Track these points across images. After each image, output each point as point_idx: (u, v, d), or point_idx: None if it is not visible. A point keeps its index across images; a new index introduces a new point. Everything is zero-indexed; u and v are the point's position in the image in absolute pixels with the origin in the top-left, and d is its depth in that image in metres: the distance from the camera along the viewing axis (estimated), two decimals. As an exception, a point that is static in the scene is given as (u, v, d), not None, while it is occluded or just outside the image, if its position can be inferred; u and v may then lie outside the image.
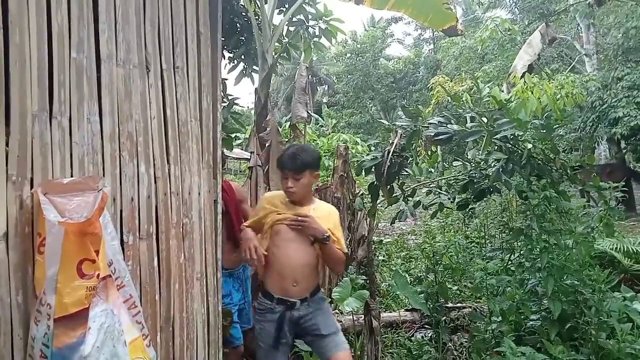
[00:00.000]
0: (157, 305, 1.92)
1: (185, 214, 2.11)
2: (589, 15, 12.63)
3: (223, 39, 5.78)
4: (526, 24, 15.98)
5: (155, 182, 1.94)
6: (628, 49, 11.13)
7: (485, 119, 2.98)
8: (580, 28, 14.72)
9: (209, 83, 2.36)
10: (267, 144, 4.08)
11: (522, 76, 6.32)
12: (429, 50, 32.02)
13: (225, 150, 7.24)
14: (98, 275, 1.49)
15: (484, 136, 2.99)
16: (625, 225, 7.12)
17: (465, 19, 26.05)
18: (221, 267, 2.76)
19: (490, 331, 3.53)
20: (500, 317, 3.61)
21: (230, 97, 6.12)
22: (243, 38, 5.79)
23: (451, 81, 13.41)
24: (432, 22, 4.61)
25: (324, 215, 2.53)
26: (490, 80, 12.32)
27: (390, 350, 3.65)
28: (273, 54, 5.46)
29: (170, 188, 2.02)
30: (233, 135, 6.14)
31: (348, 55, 29.64)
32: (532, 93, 3.30)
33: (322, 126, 17.85)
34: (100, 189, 1.55)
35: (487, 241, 6.16)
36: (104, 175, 1.71)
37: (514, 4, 18.40)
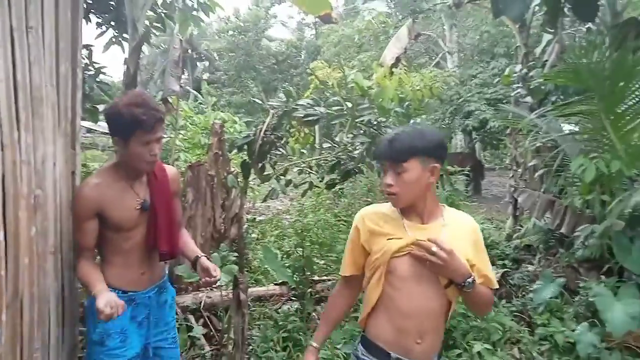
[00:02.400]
0: (3, 282, 1.80)
1: (37, 185, 1.98)
2: (452, 16, 13.91)
3: (90, 1, 5.37)
4: (400, 18, 17.09)
5: (2, 149, 1.79)
6: (482, 50, 12.51)
7: (349, 104, 3.20)
8: (445, 27, 16.14)
9: (67, 47, 2.22)
10: (136, 117, 3.91)
11: (391, 67, 6.80)
12: (311, 35, 32.58)
13: (90, 122, 6.73)
14: None
15: (347, 120, 3.21)
16: (470, 205, 8.07)
17: (346, 8, 26.96)
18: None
19: (350, 300, 3.85)
20: (359, 287, 3.95)
21: (96, 66, 5.70)
22: (113, 2, 5.41)
23: (329, 67, 13.86)
24: (308, 7, 4.73)
25: (461, 234, 1.68)
26: (365, 69, 12.99)
27: (258, 323, 3.79)
28: (147, 23, 5.19)
29: (20, 156, 1.88)
30: (102, 108, 5.75)
31: (230, 32, 29.00)
32: (390, 82, 3.64)
33: (201, 103, 17.33)
34: None
35: (355, 220, 6.60)
36: (-63, 139, 1.55)
37: (390, -1, 19.52)
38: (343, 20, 19.24)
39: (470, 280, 1.58)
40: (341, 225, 6.18)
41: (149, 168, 2.02)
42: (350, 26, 16.73)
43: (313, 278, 4.41)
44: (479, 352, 3.14)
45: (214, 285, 2.19)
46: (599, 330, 3.26)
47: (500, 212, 9.60)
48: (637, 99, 4.08)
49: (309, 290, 4.16)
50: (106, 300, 1.78)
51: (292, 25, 35.38)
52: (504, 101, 9.68)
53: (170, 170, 2.22)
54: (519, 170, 6.02)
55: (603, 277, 3.74)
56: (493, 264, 5.23)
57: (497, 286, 1.74)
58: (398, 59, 6.68)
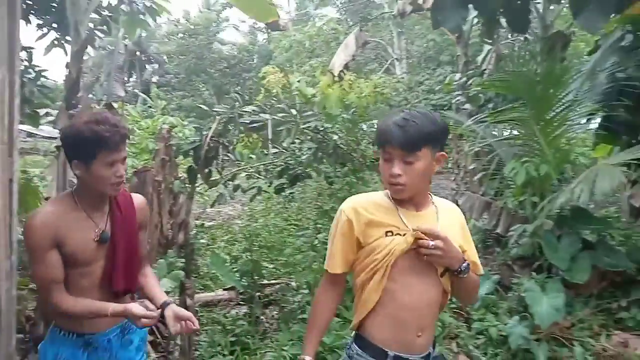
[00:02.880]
0: None
1: (-29, 193, 1.95)
2: (399, 24, 14.33)
3: (30, 2, 5.20)
4: (350, 25, 17.41)
5: None
6: (428, 58, 12.96)
7: (294, 111, 3.30)
8: (393, 34, 16.58)
9: (4, 50, 2.18)
10: (78, 123, 3.85)
11: (340, 74, 6.95)
12: (263, 39, 32.52)
13: (31, 127, 6.48)
14: None
15: (293, 126, 3.30)
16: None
17: (298, 14, 27.13)
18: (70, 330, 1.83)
19: (297, 302, 3.93)
20: (307, 290, 4.04)
21: (37, 69, 5.53)
22: (54, 4, 5.27)
23: (281, 72, 13.96)
24: (256, 15, 4.82)
25: (451, 220, 1.67)
26: (316, 74, 13.17)
27: (206, 328, 3.79)
28: (91, 26, 5.09)
29: (-48, 164, 1.85)
30: (43, 112, 5.58)
31: (180, 35, 28.51)
32: (332, 90, 3.77)
33: (150, 107, 16.93)
34: None
35: (305, 223, 6.69)
36: None
37: (341, 4, 19.83)
38: (295, 25, 19.38)
39: (465, 265, 1.56)
40: (291, 229, 6.26)
41: (115, 192, 1.81)
42: (301, 32, 16.88)
43: (262, 282, 4.46)
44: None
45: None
46: (529, 323, 3.48)
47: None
48: (564, 107, 4.40)
49: (258, 294, 4.21)
50: (137, 306, 1.73)
51: (244, 29, 35.20)
52: (445, 107, 10.10)
53: (137, 199, 2.00)
54: (460, 173, 6.31)
55: (534, 273, 3.99)
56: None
57: (483, 272, 1.74)
58: (346, 66, 6.84)
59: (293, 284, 4.32)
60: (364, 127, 4.80)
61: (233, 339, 3.61)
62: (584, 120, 5.06)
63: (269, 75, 9.83)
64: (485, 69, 6.33)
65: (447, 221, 1.64)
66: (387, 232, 1.57)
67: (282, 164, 4.38)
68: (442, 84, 11.82)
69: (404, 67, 16.10)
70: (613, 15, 4.77)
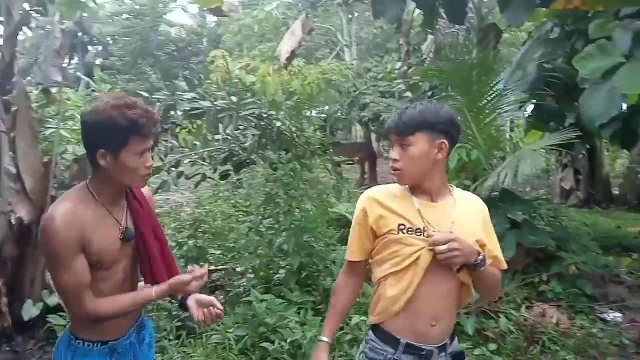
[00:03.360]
0: None
1: None
2: (350, 10, 14.44)
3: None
4: (300, 10, 17.33)
5: None
6: (377, 45, 13.16)
7: (234, 98, 3.36)
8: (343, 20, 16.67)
9: None
10: (13, 108, 3.74)
11: (287, 61, 7.00)
12: (212, 22, 31.81)
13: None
14: None
15: (234, 113, 3.36)
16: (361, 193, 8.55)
17: (248, -4, 26.67)
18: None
19: (242, 286, 4.04)
20: (252, 274, 4.15)
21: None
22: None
23: (230, 56, 13.74)
24: (198, 0, 4.80)
25: (470, 213, 1.67)
26: (265, 60, 13.09)
27: (151, 314, 3.82)
28: (26, 7, 4.90)
29: None
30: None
31: (125, 15, 27.42)
32: (271, 78, 3.85)
33: (94, 91, 16.30)
34: None
35: (253, 209, 6.75)
36: None
37: (291, -11, 19.66)
38: (245, 9, 19.12)
39: (480, 257, 1.55)
40: (239, 216, 6.31)
41: (144, 184, 1.70)
42: (250, 16, 16.66)
43: (209, 268, 4.51)
44: (357, 324, 3.46)
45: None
46: (459, 298, 3.74)
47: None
48: (494, 95, 4.68)
49: (204, 279, 4.26)
50: (179, 276, 1.66)
51: (193, 11, 34.24)
52: (388, 95, 10.36)
53: (144, 189, 1.83)
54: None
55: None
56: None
57: (506, 267, 1.74)
58: (293, 53, 6.89)
59: (238, 268, 4.41)
60: (313, 113, 4.92)
61: (179, 323, 3.66)
62: (514, 108, 5.39)
63: (218, 60, 9.72)
64: (425, 58, 6.57)
65: (465, 212, 1.65)
66: (400, 224, 1.61)
67: (226, 150, 4.44)
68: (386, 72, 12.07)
69: (354, 53, 16.27)
70: (544, 8, 5.09)
